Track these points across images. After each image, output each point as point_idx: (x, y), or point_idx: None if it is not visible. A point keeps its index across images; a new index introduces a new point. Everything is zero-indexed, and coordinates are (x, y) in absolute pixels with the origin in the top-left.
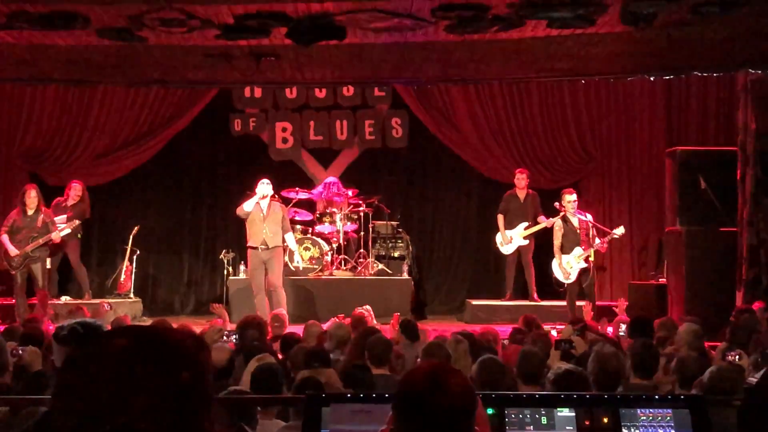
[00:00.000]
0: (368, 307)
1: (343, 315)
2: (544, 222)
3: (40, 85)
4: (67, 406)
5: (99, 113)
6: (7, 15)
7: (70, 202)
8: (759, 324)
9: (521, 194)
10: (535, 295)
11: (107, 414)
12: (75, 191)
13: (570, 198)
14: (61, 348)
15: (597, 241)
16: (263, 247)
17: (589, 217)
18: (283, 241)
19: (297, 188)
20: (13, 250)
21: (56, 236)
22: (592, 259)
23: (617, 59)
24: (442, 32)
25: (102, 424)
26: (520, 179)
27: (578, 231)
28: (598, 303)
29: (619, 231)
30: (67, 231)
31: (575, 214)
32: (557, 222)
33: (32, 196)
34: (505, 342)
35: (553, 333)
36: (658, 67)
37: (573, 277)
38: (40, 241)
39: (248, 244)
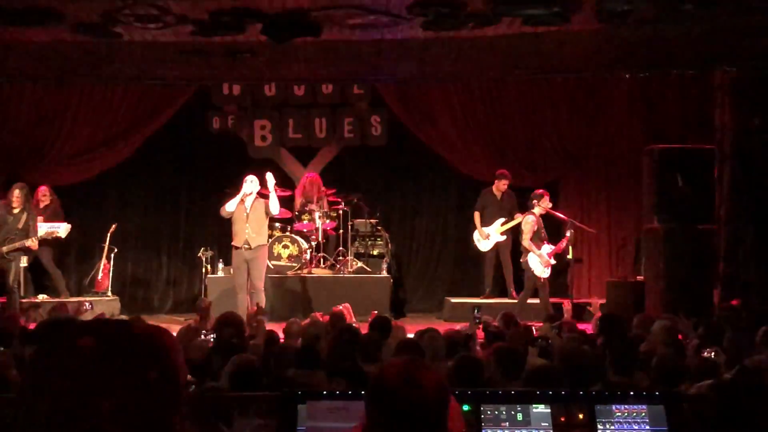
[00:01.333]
0: (347, 304)
1: (321, 313)
2: (519, 217)
3: (15, 83)
4: (32, 408)
5: (75, 111)
6: None
7: (41, 205)
8: (735, 321)
9: (498, 192)
10: (514, 293)
11: (74, 417)
12: (43, 194)
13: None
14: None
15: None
16: (246, 246)
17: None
18: (268, 238)
19: (276, 187)
20: None
21: (32, 243)
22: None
23: (592, 56)
24: (418, 29)
25: (68, 426)
26: (503, 183)
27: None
28: (574, 301)
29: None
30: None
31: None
32: (528, 217)
33: (16, 195)
34: (482, 341)
35: (533, 330)
36: (633, 64)
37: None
38: (17, 244)
39: (233, 243)
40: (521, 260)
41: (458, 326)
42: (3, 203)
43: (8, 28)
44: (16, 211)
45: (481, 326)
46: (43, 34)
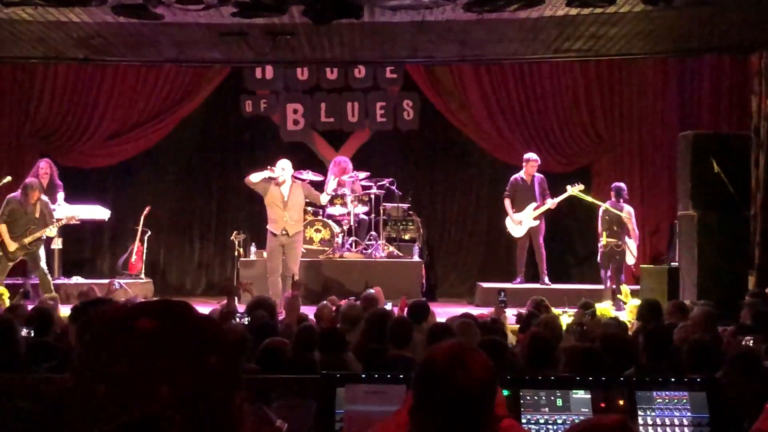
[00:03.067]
0: (378, 288)
1: (354, 297)
2: (550, 202)
3: (53, 64)
4: (90, 391)
5: (110, 93)
6: None
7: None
8: None
9: (528, 177)
10: (546, 279)
11: (133, 401)
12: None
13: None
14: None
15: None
16: (284, 233)
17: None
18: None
19: (308, 170)
20: (11, 244)
21: (51, 232)
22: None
23: (634, 40)
24: (460, 11)
25: (127, 410)
26: (532, 166)
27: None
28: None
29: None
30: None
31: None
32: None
33: (35, 192)
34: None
35: (564, 317)
36: (673, 48)
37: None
38: (38, 234)
39: (268, 227)
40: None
41: (486, 311)
42: (19, 197)
43: (50, 9)
44: (31, 204)
45: (504, 311)
46: (84, 14)
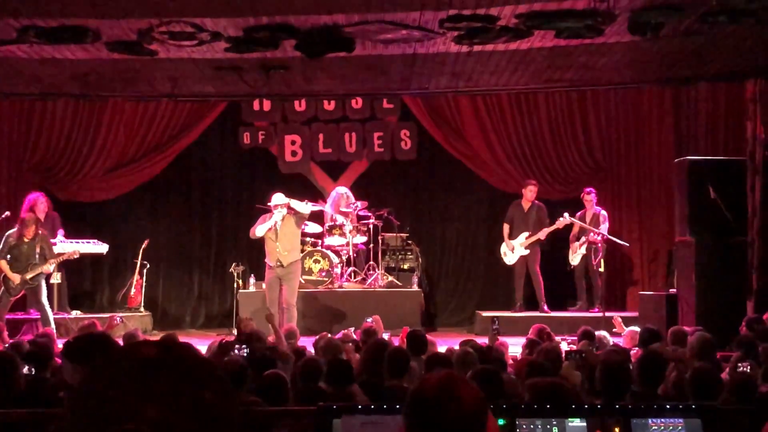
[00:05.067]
0: (377, 317)
1: (353, 328)
2: (541, 233)
3: (50, 100)
4: (82, 407)
5: (109, 127)
6: (19, 29)
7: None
8: None
9: (526, 204)
10: (545, 306)
11: (117, 417)
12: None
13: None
14: (70, 364)
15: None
16: (278, 264)
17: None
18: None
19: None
20: (15, 277)
21: (48, 269)
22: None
23: (625, 69)
24: (450, 43)
25: (110, 426)
26: (531, 191)
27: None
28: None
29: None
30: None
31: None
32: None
33: (32, 229)
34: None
35: (563, 345)
36: (665, 77)
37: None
38: (38, 270)
39: (266, 260)
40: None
41: (486, 340)
42: (15, 234)
43: (45, 46)
44: (27, 239)
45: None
46: (79, 51)
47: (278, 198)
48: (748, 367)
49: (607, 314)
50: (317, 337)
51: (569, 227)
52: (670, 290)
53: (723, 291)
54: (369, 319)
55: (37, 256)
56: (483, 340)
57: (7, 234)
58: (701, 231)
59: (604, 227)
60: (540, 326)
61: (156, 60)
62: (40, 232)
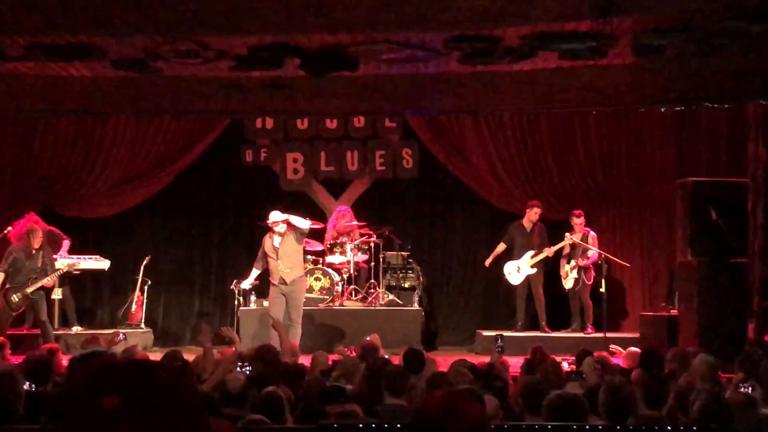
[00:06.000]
0: (375, 335)
1: (353, 347)
2: (547, 250)
3: (53, 117)
4: None
5: (112, 144)
6: (24, 46)
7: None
8: None
9: (528, 224)
10: (546, 327)
11: None
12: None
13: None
14: None
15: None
16: (281, 282)
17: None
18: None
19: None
20: (13, 297)
21: (48, 282)
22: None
23: (628, 90)
24: (454, 63)
25: None
26: (536, 213)
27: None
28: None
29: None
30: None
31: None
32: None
33: (38, 239)
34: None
35: (564, 365)
36: (668, 98)
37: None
38: (39, 284)
39: (270, 278)
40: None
41: (487, 359)
42: (20, 246)
43: (50, 63)
44: (34, 250)
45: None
46: (84, 69)
47: (275, 215)
48: (750, 388)
49: (608, 335)
50: (313, 354)
51: (559, 251)
52: (671, 311)
53: (724, 312)
54: (368, 338)
55: (38, 270)
56: (484, 360)
57: (10, 248)
58: (702, 252)
59: (591, 251)
60: (535, 346)
61: (160, 77)
62: (45, 245)
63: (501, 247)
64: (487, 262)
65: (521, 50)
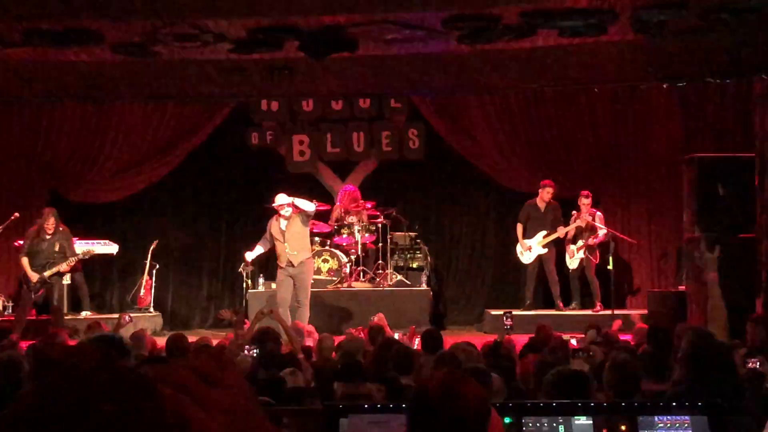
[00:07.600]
0: (381, 314)
1: (361, 327)
2: (561, 230)
3: (57, 102)
4: None
5: (117, 129)
6: (23, 32)
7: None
8: None
9: (542, 204)
10: (561, 304)
11: None
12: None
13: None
14: None
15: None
16: (289, 264)
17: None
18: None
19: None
20: (33, 275)
21: (66, 267)
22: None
23: (629, 67)
24: (454, 43)
25: None
26: (548, 193)
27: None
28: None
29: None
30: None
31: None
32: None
33: (51, 222)
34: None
35: (573, 341)
36: (670, 74)
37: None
38: (56, 269)
39: (277, 262)
40: None
41: (489, 338)
42: (35, 230)
43: (50, 49)
44: (49, 236)
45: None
46: (83, 54)
47: (281, 198)
48: (758, 363)
49: (617, 312)
50: (319, 337)
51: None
52: (679, 287)
53: (732, 288)
54: (374, 318)
55: (56, 254)
56: (492, 339)
57: (27, 232)
58: (710, 228)
59: (601, 231)
60: (539, 324)
61: (160, 61)
62: (60, 228)
63: (520, 228)
64: (524, 247)
65: (520, 28)
